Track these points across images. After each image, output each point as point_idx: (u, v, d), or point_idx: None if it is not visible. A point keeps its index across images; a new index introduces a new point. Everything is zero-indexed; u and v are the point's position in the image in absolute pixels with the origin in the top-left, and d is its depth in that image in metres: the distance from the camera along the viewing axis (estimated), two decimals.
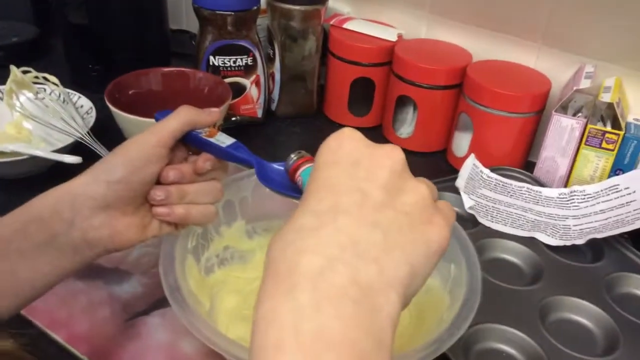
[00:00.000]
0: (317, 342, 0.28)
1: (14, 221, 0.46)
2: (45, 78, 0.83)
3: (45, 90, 0.86)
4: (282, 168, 0.49)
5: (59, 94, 0.86)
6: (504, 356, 0.59)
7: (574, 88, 0.78)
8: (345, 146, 0.35)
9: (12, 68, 0.80)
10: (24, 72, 0.81)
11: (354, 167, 0.34)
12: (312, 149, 0.68)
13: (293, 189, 0.48)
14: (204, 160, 0.50)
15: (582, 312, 0.64)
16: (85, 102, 0.87)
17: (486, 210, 0.78)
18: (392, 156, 0.35)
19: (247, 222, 0.63)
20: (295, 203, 0.52)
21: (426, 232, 0.34)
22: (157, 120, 0.52)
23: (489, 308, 0.61)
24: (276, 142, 0.96)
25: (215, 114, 0.52)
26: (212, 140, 0.50)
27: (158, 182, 0.50)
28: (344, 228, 0.32)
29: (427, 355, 0.45)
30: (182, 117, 0.50)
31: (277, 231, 0.33)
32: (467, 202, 0.77)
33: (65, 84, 0.87)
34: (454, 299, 0.52)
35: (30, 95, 0.86)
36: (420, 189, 0.35)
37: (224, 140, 0.51)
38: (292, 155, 0.46)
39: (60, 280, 0.48)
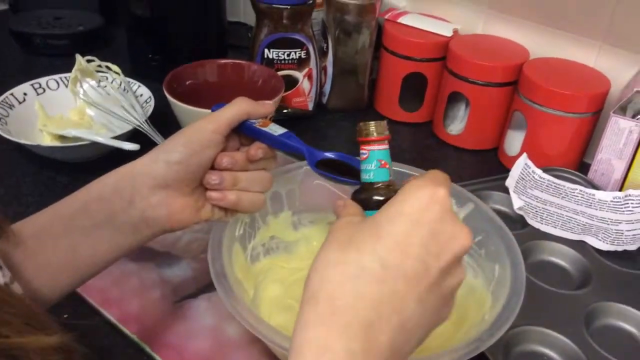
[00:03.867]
0: None
1: (76, 200, 0.50)
2: (107, 67, 0.86)
3: (107, 78, 0.90)
4: (332, 156, 0.50)
5: (120, 83, 0.90)
6: (545, 359, 0.58)
7: (635, 89, 0.75)
8: (434, 210, 0.36)
9: (78, 57, 0.84)
10: (88, 61, 0.85)
11: (431, 238, 0.36)
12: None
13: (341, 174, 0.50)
14: (257, 149, 0.53)
15: (630, 320, 0.62)
16: (144, 91, 0.90)
17: (536, 211, 0.76)
18: (463, 244, 0.37)
19: (293, 214, 0.64)
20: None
21: (444, 313, 0.38)
22: (213, 111, 0.54)
23: (533, 310, 0.60)
24: (326, 135, 0.97)
25: (269, 106, 0.54)
26: (265, 129, 0.52)
27: (212, 167, 0.52)
28: (399, 293, 0.35)
29: (466, 354, 0.45)
30: (238, 108, 0.52)
31: (337, 247, 0.37)
32: (517, 202, 0.76)
33: (126, 73, 0.91)
34: (496, 299, 0.52)
35: (93, 83, 0.90)
36: (462, 274, 0.38)
37: (276, 129, 0.53)
38: (371, 128, 0.44)
39: (118, 258, 0.51)
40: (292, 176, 0.63)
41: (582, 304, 0.63)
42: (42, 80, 0.90)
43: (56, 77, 0.91)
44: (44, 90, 0.90)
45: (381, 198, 0.43)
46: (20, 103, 0.87)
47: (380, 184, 0.44)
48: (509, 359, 0.57)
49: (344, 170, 0.50)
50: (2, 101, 0.84)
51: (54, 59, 1.11)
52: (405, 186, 0.38)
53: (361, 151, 0.45)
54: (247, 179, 0.53)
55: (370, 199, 0.44)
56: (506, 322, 0.47)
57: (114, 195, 0.49)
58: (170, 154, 0.49)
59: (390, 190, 0.44)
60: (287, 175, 0.63)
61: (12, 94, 0.86)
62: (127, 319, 0.61)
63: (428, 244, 0.35)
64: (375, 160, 0.44)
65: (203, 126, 0.51)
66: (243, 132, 0.53)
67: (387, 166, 0.44)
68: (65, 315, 0.61)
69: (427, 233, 0.36)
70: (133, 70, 1.03)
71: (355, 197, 0.45)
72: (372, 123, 0.44)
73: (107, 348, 0.59)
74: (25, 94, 0.88)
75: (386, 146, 0.44)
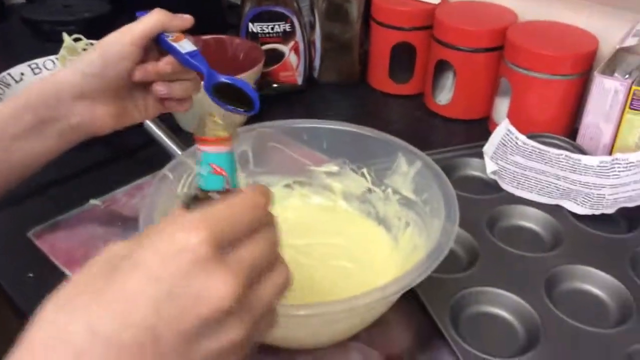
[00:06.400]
0: None
1: (5, 108, 0.55)
2: (92, 44, 0.89)
3: None
4: (228, 81, 0.51)
5: None
6: (498, 320, 0.56)
7: (617, 47, 0.71)
8: (181, 262, 0.29)
9: (65, 36, 0.87)
10: (75, 40, 0.88)
11: (168, 298, 0.29)
12: (352, 118, 0.69)
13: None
14: (165, 63, 0.56)
15: (595, 283, 0.59)
16: None
17: (512, 176, 0.73)
18: (214, 304, 0.29)
19: (247, 176, 0.64)
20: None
21: None
22: (137, 18, 0.56)
23: (491, 274, 0.59)
24: (317, 110, 0.96)
25: (186, 19, 0.56)
26: (174, 44, 0.54)
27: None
28: None
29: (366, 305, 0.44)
30: (154, 19, 0.54)
31: (64, 293, 0.30)
32: (490, 166, 0.73)
33: None
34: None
35: None
36: (230, 335, 0.30)
37: (186, 46, 0.54)
38: (209, 125, 0.38)
39: (51, 159, 0.58)
40: (244, 138, 0.63)
41: (546, 266, 0.60)
42: (39, 61, 0.94)
43: (52, 57, 0.94)
44: (41, 70, 0.93)
45: None
46: (17, 82, 0.91)
47: (213, 193, 0.38)
48: (458, 319, 0.55)
49: (244, 99, 0.50)
50: None
51: (62, 43, 1.15)
52: (164, 224, 0.31)
53: (196, 150, 0.39)
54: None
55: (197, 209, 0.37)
56: (422, 274, 0.45)
57: (41, 104, 0.54)
58: (87, 66, 0.54)
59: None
60: (238, 137, 0.63)
61: (9, 74, 0.90)
62: None
63: (162, 308, 0.28)
64: (206, 164, 0.37)
65: (119, 38, 0.54)
66: (159, 45, 0.55)
67: (223, 173, 0.38)
68: (30, 274, 0.63)
69: (164, 293, 0.28)
70: None
71: (184, 203, 0.38)
72: (211, 119, 0.38)
73: None
74: (22, 73, 0.92)
75: (225, 148, 0.38)
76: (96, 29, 1.17)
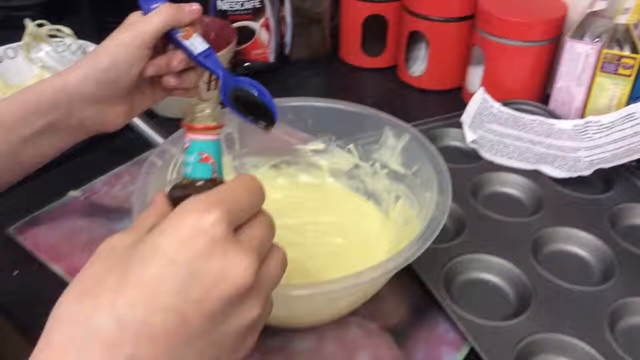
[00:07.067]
0: None
1: (14, 111, 0.53)
2: (58, 30, 0.86)
3: (64, 42, 0.89)
4: (248, 86, 0.50)
5: (79, 46, 0.89)
6: (490, 286, 0.58)
7: (587, 11, 0.73)
8: (197, 244, 0.29)
9: (27, 22, 0.84)
10: (39, 26, 0.85)
11: (191, 280, 0.29)
12: (326, 93, 0.67)
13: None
14: (178, 61, 0.54)
15: (578, 243, 0.61)
16: None
17: (491, 144, 0.75)
18: (235, 282, 0.30)
19: (233, 158, 0.64)
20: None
21: (236, 356, 0.32)
22: (141, 7, 0.54)
23: (479, 240, 0.60)
24: (289, 87, 0.95)
25: (195, 11, 0.54)
26: (187, 43, 0.53)
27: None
28: (139, 357, 0.28)
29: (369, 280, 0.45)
30: (163, 19, 0.52)
31: (76, 293, 0.30)
32: (469, 136, 0.74)
33: (94, 38, 0.90)
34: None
35: (50, 48, 0.89)
36: (251, 312, 0.31)
37: (198, 45, 0.53)
38: (198, 113, 0.37)
39: (59, 154, 0.58)
40: (230, 120, 0.62)
41: (530, 230, 0.62)
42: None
43: (14, 45, 0.91)
44: (1, 60, 0.90)
45: None
46: None
47: (201, 182, 0.37)
48: (451, 287, 0.57)
49: (258, 107, 0.50)
50: None
51: (20, 30, 1.11)
52: (175, 210, 0.31)
53: (184, 139, 0.38)
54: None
55: (184, 197, 0.34)
56: (422, 245, 0.46)
57: (52, 108, 0.53)
58: (99, 74, 0.52)
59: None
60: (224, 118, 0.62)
61: None
62: (76, 272, 0.61)
63: (186, 290, 0.29)
64: (196, 152, 0.37)
65: (130, 42, 0.52)
66: (169, 40, 0.54)
67: (210, 161, 0.37)
68: (16, 272, 0.62)
69: (186, 275, 0.29)
70: (99, 34, 1.02)
71: (171, 192, 0.37)
72: (200, 107, 0.37)
73: (53, 301, 0.59)
74: None
75: (214, 137, 0.37)
76: (55, 12, 1.14)
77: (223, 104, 0.52)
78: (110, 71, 0.52)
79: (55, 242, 0.65)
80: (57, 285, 0.59)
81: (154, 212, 0.35)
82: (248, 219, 0.33)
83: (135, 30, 0.52)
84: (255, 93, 0.52)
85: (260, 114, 0.52)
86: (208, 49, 0.53)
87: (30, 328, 0.56)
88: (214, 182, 0.37)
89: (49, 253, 0.63)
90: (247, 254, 0.30)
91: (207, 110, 0.37)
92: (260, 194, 0.34)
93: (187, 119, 0.37)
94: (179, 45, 0.53)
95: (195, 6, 0.54)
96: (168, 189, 0.38)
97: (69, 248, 0.64)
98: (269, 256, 0.34)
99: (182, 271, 0.29)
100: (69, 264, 0.62)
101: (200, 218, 0.29)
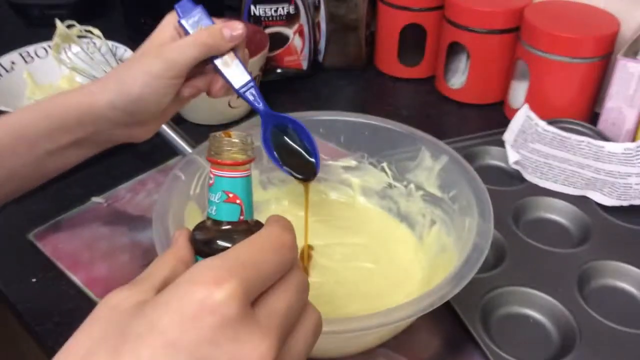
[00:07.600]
0: None
1: (39, 125, 0.51)
2: (88, 31, 0.84)
3: (95, 44, 0.88)
4: (289, 125, 0.48)
5: (109, 47, 0.88)
6: (531, 322, 0.54)
7: None
8: (202, 326, 0.24)
9: (57, 23, 0.82)
10: (69, 27, 0.83)
11: None
12: (360, 103, 0.63)
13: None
14: (219, 89, 0.52)
15: (629, 279, 0.56)
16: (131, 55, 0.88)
17: (536, 166, 0.70)
18: None
19: (261, 173, 0.61)
20: None
21: None
22: (177, 12, 0.51)
23: (520, 271, 0.56)
24: (322, 96, 0.92)
25: (236, 37, 0.50)
26: (225, 73, 0.50)
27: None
28: None
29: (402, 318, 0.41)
30: (198, 49, 0.49)
31: None
32: (512, 156, 0.70)
33: (123, 39, 0.89)
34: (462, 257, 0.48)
35: (79, 49, 0.88)
36: None
37: (239, 75, 0.50)
38: (224, 144, 0.32)
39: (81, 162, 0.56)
40: (257, 133, 0.59)
41: (577, 262, 0.58)
42: (30, 49, 0.89)
43: (44, 44, 0.90)
44: (33, 59, 0.89)
45: (220, 246, 0.31)
46: (7, 72, 0.86)
47: (226, 225, 0.32)
48: (488, 322, 0.53)
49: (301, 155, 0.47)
50: None
51: (54, 28, 1.10)
52: (184, 275, 0.26)
53: (209, 174, 0.33)
54: None
55: (206, 242, 0.32)
56: (461, 280, 0.42)
57: (78, 127, 0.51)
58: (128, 104, 0.50)
59: (241, 234, 0.31)
60: (251, 132, 0.59)
61: None
62: (94, 282, 0.59)
63: None
64: (221, 191, 0.32)
65: (161, 74, 0.49)
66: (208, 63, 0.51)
67: (237, 201, 0.32)
68: (34, 279, 0.60)
69: None
70: (128, 35, 1.01)
71: (194, 233, 0.33)
72: (227, 138, 0.32)
73: (71, 311, 0.57)
74: (13, 62, 0.87)
75: (242, 173, 0.32)
76: (89, 11, 1.13)
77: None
78: (140, 102, 0.50)
79: (75, 249, 0.63)
80: (75, 295, 0.59)
81: (172, 257, 0.31)
82: (271, 284, 0.28)
83: (169, 61, 0.49)
84: (296, 134, 0.49)
85: (300, 162, 0.49)
86: (249, 81, 0.49)
87: (46, 337, 0.54)
88: (240, 226, 0.32)
89: (68, 261, 0.61)
90: (265, 336, 0.25)
91: (235, 140, 0.32)
92: (289, 251, 0.29)
93: (211, 151, 0.32)
94: (220, 74, 0.50)
95: (237, 31, 0.49)
96: (191, 227, 0.34)
97: (88, 256, 0.62)
98: (297, 327, 0.28)
99: (181, 357, 0.24)
100: (88, 274, 0.60)
101: (210, 293, 0.24)
